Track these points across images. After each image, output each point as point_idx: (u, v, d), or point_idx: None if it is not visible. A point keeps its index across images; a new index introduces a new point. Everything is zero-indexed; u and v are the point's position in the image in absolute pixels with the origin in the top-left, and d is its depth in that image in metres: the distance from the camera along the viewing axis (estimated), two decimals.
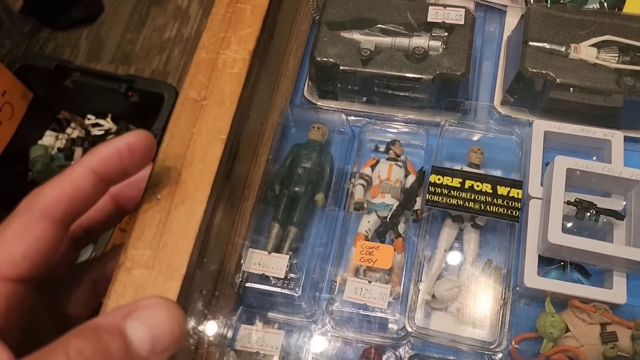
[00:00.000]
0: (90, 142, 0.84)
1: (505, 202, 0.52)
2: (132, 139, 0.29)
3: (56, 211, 0.27)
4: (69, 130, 0.86)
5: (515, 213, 0.52)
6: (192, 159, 0.45)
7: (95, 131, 0.85)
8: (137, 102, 0.76)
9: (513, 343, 0.50)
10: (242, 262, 0.52)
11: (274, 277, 0.51)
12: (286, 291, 0.51)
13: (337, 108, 0.64)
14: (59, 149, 0.84)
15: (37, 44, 0.91)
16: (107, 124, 0.85)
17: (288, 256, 0.52)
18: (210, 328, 0.50)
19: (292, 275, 0.51)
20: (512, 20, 0.67)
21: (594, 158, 0.58)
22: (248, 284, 0.51)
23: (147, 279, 0.41)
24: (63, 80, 0.77)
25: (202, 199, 0.44)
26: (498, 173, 0.58)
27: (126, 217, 0.78)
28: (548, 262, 0.53)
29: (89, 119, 0.84)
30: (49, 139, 0.84)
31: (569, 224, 0.54)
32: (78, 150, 0.84)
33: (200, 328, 0.50)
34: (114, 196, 0.35)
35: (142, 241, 0.43)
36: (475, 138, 0.60)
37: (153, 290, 0.41)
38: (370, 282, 0.51)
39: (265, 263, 0.51)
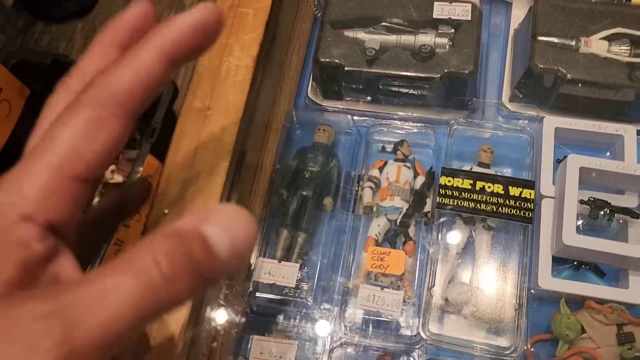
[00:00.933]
0: None
1: (517, 203, 0.51)
2: (205, 14, 0.25)
3: (131, 104, 0.24)
4: None
5: (529, 214, 0.51)
6: (199, 172, 0.44)
7: None
8: None
9: (528, 345, 0.49)
10: (252, 270, 0.52)
11: (284, 286, 0.50)
12: (297, 300, 0.51)
13: (342, 108, 0.62)
14: None
15: (31, 38, 0.90)
16: None
17: (298, 265, 0.51)
18: (222, 338, 0.49)
19: (302, 283, 0.51)
20: (518, 13, 0.66)
21: (607, 153, 0.57)
22: (258, 294, 0.51)
23: None
24: (59, 75, 0.75)
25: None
26: (509, 172, 0.57)
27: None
28: (561, 261, 0.53)
29: None
30: None
31: (582, 223, 0.53)
32: None
33: (212, 338, 0.50)
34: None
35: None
36: (485, 136, 0.59)
37: None
38: (382, 288, 0.50)
39: (276, 272, 0.50)
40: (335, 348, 0.50)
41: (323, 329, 0.51)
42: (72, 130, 0.23)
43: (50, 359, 0.18)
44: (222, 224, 0.22)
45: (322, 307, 0.51)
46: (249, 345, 0.50)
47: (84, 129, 0.23)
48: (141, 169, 0.72)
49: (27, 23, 0.89)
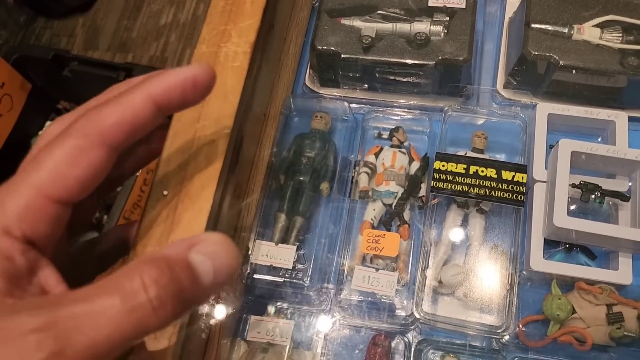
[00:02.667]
0: None
1: (510, 187, 0.52)
2: (198, 72, 0.28)
3: (114, 138, 0.26)
4: None
5: (521, 198, 0.52)
6: (197, 155, 0.45)
7: None
8: None
9: (520, 326, 0.50)
10: (249, 253, 0.53)
11: (281, 268, 0.51)
12: (294, 281, 0.52)
13: (339, 96, 0.63)
14: None
15: (33, 33, 0.90)
16: None
17: (295, 247, 0.52)
18: (221, 319, 0.50)
19: (299, 265, 0.52)
20: (513, 2, 0.67)
21: (599, 139, 0.58)
22: (256, 275, 0.52)
23: None
24: (61, 70, 0.77)
25: (209, 195, 0.44)
26: (502, 157, 0.59)
27: (130, 206, 0.78)
28: (553, 244, 0.54)
29: None
30: None
31: (574, 207, 0.54)
32: None
33: (211, 319, 0.51)
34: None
35: (150, 238, 0.43)
36: (479, 123, 0.60)
37: None
38: (377, 270, 0.51)
39: (273, 254, 0.51)
40: (330, 328, 0.52)
41: (319, 309, 0.52)
42: (56, 155, 0.25)
43: None
44: (207, 252, 0.24)
45: (318, 288, 0.52)
46: (247, 326, 0.51)
47: (67, 155, 0.25)
48: None
49: (28, 19, 0.90)
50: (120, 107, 0.26)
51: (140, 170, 0.74)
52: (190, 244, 0.24)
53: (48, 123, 0.83)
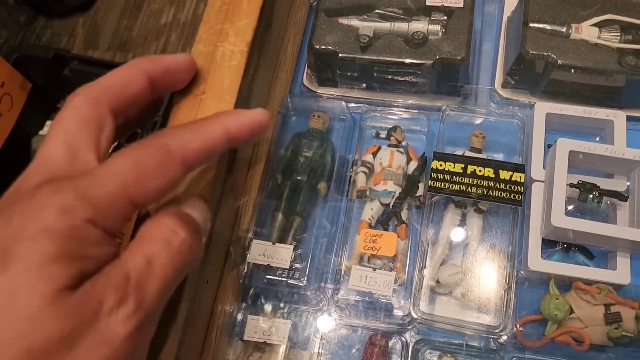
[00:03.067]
0: None
1: (507, 187, 0.52)
2: (264, 120, 0.33)
3: (192, 161, 0.29)
4: None
5: (518, 197, 0.52)
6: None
7: None
8: None
9: (518, 326, 0.50)
10: (246, 253, 0.53)
11: (278, 268, 0.51)
12: (291, 281, 0.52)
13: (337, 95, 0.63)
14: None
15: (33, 33, 0.90)
16: None
17: (292, 246, 0.52)
18: (217, 319, 0.50)
19: (297, 265, 0.52)
20: (511, 1, 0.67)
21: (597, 139, 0.58)
22: (253, 275, 0.52)
23: None
24: (61, 69, 0.76)
25: (206, 194, 0.44)
26: (500, 157, 0.58)
27: None
28: (551, 244, 0.53)
29: None
30: None
31: (572, 206, 0.53)
32: None
33: (208, 319, 0.51)
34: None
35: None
36: (477, 122, 0.59)
37: None
38: (374, 269, 0.51)
39: (270, 254, 0.51)
40: (327, 328, 0.52)
41: (316, 309, 0.52)
42: (144, 162, 0.27)
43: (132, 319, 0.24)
44: (193, 205, 0.31)
45: (315, 288, 0.52)
46: (244, 326, 0.51)
47: (154, 165, 0.27)
48: None
49: (28, 18, 0.90)
50: (203, 135, 0.29)
51: None
52: (178, 204, 0.31)
53: (48, 122, 0.83)
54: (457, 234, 0.54)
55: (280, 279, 0.51)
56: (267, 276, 0.52)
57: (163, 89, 0.36)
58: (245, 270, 0.52)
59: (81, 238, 0.24)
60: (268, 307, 0.52)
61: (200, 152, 0.29)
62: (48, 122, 0.86)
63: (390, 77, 0.60)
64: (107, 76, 0.32)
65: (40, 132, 0.83)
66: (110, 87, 0.31)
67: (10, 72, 0.75)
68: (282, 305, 0.52)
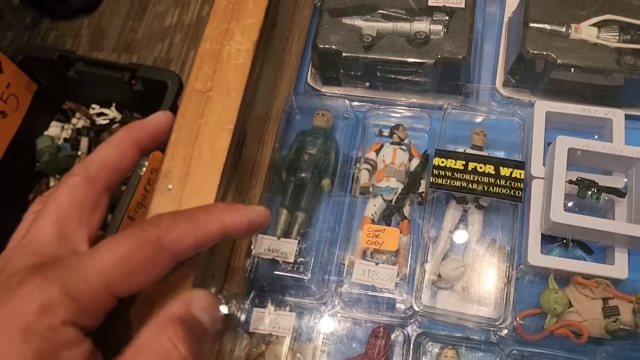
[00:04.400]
0: (95, 131, 0.85)
1: (508, 183, 0.53)
2: (262, 219, 0.33)
3: (184, 255, 0.29)
4: (74, 121, 0.86)
5: (518, 193, 0.53)
6: (201, 150, 0.46)
7: (100, 120, 0.85)
8: (141, 90, 0.76)
9: (517, 319, 0.51)
10: (252, 247, 0.54)
11: (283, 262, 0.52)
12: (296, 275, 0.53)
13: (341, 94, 0.64)
14: (65, 140, 0.85)
15: (38, 34, 0.91)
16: (112, 113, 0.85)
17: (297, 241, 0.53)
18: (223, 312, 0.51)
19: (301, 259, 0.53)
20: (512, 2, 0.68)
21: (596, 137, 0.59)
22: (259, 269, 0.53)
23: None
24: (66, 70, 0.78)
25: (212, 189, 0.45)
26: (501, 154, 0.59)
27: (134, 206, 0.78)
28: (551, 240, 0.54)
29: (93, 109, 0.85)
30: (55, 130, 0.85)
31: (571, 203, 0.54)
32: (84, 141, 0.85)
33: None
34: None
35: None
36: (478, 120, 0.61)
37: (169, 277, 0.42)
38: (377, 264, 0.52)
39: (275, 248, 0.52)
40: (331, 321, 0.53)
41: (320, 302, 0.53)
42: (133, 257, 0.26)
43: None
44: (202, 306, 0.28)
45: (319, 282, 0.53)
46: (249, 318, 0.52)
47: (143, 262, 0.26)
48: (146, 162, 0.74)
49: (34, 20, 0.91)
50: (199, 231, 0.29)
51: (144, 170, 0.75)
52: (188, 301, 0.27)
53: (53, 123, 0.84)
54: (459, 230, 0.55)
55: (284, 273, 0.52)
56: (272, 270, 0.53)
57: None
58: (251, 264, 0.53)
59: (59, 340, 0.23)
60: (273, 300, 0.53)
61: (194, 247, 0.29)
62: (53, 123, 0.87)
63: (392, 76, 0.61)
64: (102, 151, 0.32)
65: (45, 133, 0.84)
66: (106, 164, 0.31)
67: (16, 73, 0.76)
68: (287, 298, 0.53)
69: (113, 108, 0.84)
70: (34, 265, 0.25)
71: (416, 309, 0.51)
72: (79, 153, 0.82)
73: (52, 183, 0.81)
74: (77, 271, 0.25)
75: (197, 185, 0.45)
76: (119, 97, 0.82)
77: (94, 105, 0.84)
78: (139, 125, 0.34)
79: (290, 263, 0.52)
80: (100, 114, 0.84)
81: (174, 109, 0.68)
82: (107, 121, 0.84)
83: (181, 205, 0.45)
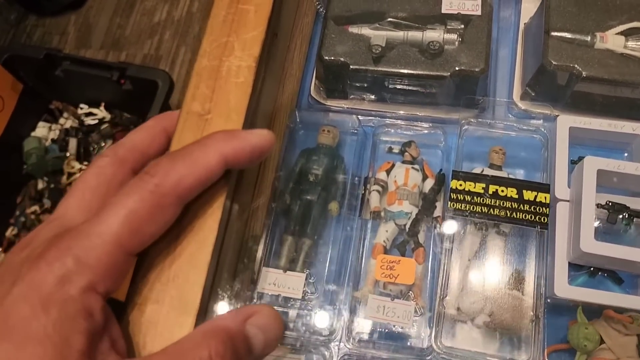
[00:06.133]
0: (84, 132, 0.81)
1: (532, 208, 0.49)
2: (265, 143, 0.31)
3: (189, 197, 0.29)
4: (62, 121, 0.82)
5: (544, 219, 0.49)
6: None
7: (89, 120, 0.81)
8: (130, 89, 0.73)
9: (545, 355, 0.47)
10: (255, 279, 0.50)
11: (290, 298, 0.48)
12: (304, 312, 0.48)
13: (347, 107, 0.60)
14: (53, 140, 0.81)
15: (24, 31, 0.88)
16: (101, 112, 0.81)
17: (304, 275, 0.49)
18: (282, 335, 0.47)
19: (309, 294, 0.49)
20: (528, 6, 0.64)
21: (625, 154, 0.55)
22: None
23: (158, 315, 0.38)
24: (53, 69, 0.74)
25: (213, 226, 0.40)
26: (521, 173, 0.55)
27: None
28: (576, 266, 0.51)
29: (81, 109, 0.81)
30: (42, 131, 0.81)
31: (599, 226, 0.51)
32: (72, 141, 0.81)
33: None
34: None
35: (150, 273, 0.40)
36: (496, 136, 0.56)
37: (165, 327, 0.38)
38: (393, 298, 0.48)
39: (281, 283, 0.48)
40: None
41: (330, 340, 0.49)
42: (136, 210, 0.26)
43: None
44: (261, 325, 0.27)
45: (329, 318, 0.49)
46: None
47: (147, 212, 0.26)
48: None
49: (19, 16, 0.87)
50: (198, 168, 0.28)
51: None
52: (247, 315, 0.27)
53: (40, 124, 0.81)
54: (478, 258, 0.51)
55: (292, 310, 0.48)
56: (278, 307, 0.48)
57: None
58: (255, 300, 0.48)
59: (78, 308, 0.24)
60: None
61: (196, 186, 0.28)
62: (40, 124, 0.83)
63: (403, 88, 0.57)
64: (132, 135, 0.32)
65: (32, 134, 0.81)
66: (135, 148, 0.31)
67: (1, 73, 0.73)
68: (293, 335, 0.49)
69: (102, 108, 0.80)
70: (53, 236, 0.26)
71: (435, 348, 0.47)
72: (68, 154, 0.79)
73: (40, 185, 0.78)
74: (86, 238, 0.25)
75: (197, 221, 0.41)
76: (108, 96, 0.79)
77: (82, 105, 0.81)
78: (169, 114, 0.35)
79: (298, 299, 0.48)
80: (88, 114, 0.80)
81: (165, 108, 0.64)
82: (96, 121, 0.80)
83: (180, 245, 0.40)
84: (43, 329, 0.22)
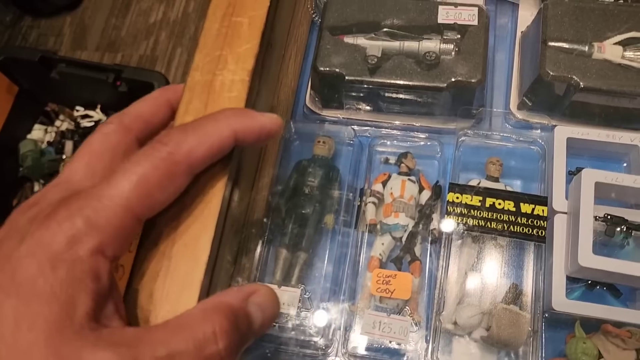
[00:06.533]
0: (80, 134, 0.81)
1: (529, 221, 0.49)
2: (273, 126, 0.32)
3: (199, 167, 0.29)
4: (57, 123, 0.82)
5: (542, 233, 0.48)
6: (193, 198, 0.41)
7: (85, 123, 0.81)
8: (126, 91, 0.73)
9: None
10: None
11: (284, 313, 0.47)
12: (299, 327, 0.48)
13: (342, 118, 0.60)
14: (48, 143, 0.81)
15: (19, 33, 0.88)
16: (97, 114, 0.81)
17: (299, 290, 0.48)
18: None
19: (304, 311, 0.48)
20: (525, 14, 0.63)
21: (624, 164, 0.55)
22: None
23: (162, 288, 0.38)
24: (49, 71, 0.74)
25: (206, 244, 0.40)
26: (518, 184, 0.55)
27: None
28: (574, 279, 0.50)
29: (77, 111, 0.81)
30: (38, 133, 0.81)
31: (596, 239, 0.50)
32: (68, 144, 0.81)
33: None
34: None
35: (142, 291, 0.39)
36: (493, 147, 0.56)
37: (167, 301, 0.38)
38: (389, 314, 0.47)
39: None
40: None
41: (326, 356, 0.48)
42: (148, 176, 0.26)
43: None
44: (260, 303, 0.28)
45: (324, 333, 0.48)
46: None
47: (158, 179, 0.26)
48: None
49: (14, 18, 0.87)
50: (209, 139, 0.29)
51: None
52: (248, 293, 0.28)
53: (36, 126, 0.81)
54: (475, 271, 0.51)
55: (286, 325, 0.47)
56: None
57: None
58: None
59: (86, 269, 0.24)
60: (274, 356, 0.48)
61: (207, 157, 0.29)
62: (36, 126, 0.83)
63: (399, 99, 0.56)
64: (137, 105, 0.33)
65: (28, 136, 0.80)
66: (140, 116, 0.32)
67: None
68: (288, 353, 0.48)
69: (98, 110, 0.80)
70: (62, 198, 0.26)
71: None
72: (64, 156, 0.79)
73: (36, 188, 0.78)
74: (97, 200, 0.25)
75: (189, 239, 0.40)
76: (104, 98, 0.79)
77: (78, 107, 0.81)
78: (173, 87, 0.36)
79: (293, 315, 0.47)
80: (84, 116, 0.80)
81: None
82: (92, 123, 0.80)
83: (171, 263, 0.40)
84: (50, 287, 0.22)
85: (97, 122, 0.79)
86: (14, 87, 0.77)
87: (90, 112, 0.80)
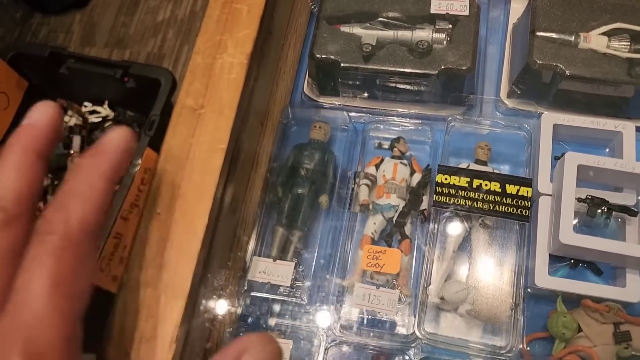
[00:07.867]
0: (88, 129, 0.83)
1: (514, 202, 0.51)
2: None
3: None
4: (66, 118, 0.84)
5: (526, 212, 0.51)
6: (192, 171, 0.44)
7: (93, 118, 0.83)
8: (134, 87, 0.74)
9: (524, 344, 0.49)
10: (247, 268, 0.52)
11: (279, 285, 0.50)
12: (292, 299, 0.50)
13: (339, 104, 0.62)
14: None
15: (29, 30, 0.89)
16: (105, 110, 0.83)
17: (294, 263, 0.51)
18: (216, 339, 0.49)
19: (298, 283, 0.50)
20: (517, 7, 0.65)
21: (607, 150, 0.57)
22: (253, 293, 0.51)
23: (151, 299, 0.40)
24: (58, 67, 0.76)
25: (204, 213, 0.43)
26: (506, 168, 0.57)
27: (128, 207, 0.76)
28: (558, 259, 0.52)
29: (85, 106, 0.83)
30: None
31: (580, 221, 0.52)
32: (76, 139, 0.82)
33: (206, 339, 0.49)
34: None
35: (143, 260, 0.42)
36: (482, 133, 0.58)
37: (157, 309, 0.40)
38: (378, 287, 0.50)
39: (270, 271, 0.50)
40: (330, 347, 0.50)
41: (318, 327, 0.51)
42: (62, 280, 0.24)
43: None
44: (257, 356, 0.25)
45: (317, 305, 0.51)
46: None
47: (73, 272, 0.25)
48: (140, 161, 0.72)
49: (24, 15, 0.89)
50: (90, 199, 0.28)
51: (138, 169, 0.73)
52: (241, 351, 0.24)
53: None
54: (462, 249, 0.53)
55: (281, 297, 0.50)
56: (268, 294, 0.50)
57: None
58: (245, 288, 0.50)
59: None
60: (269, 326, 0.50)
61: (99, 214, 0.27)
62: None
63: (393, 86, 0.59)
64: (7, 181, 0.29)
65: None
66: (18, 194, 0.28)
67: (6, 71, 0.74)
68: (283, 323, 0.51)
69: (106, 106, 0.82)
70: None
71: (418, 334, 0.49)
72: (72, 151, 0.81)
73: (44, 182, 0.80)
74: (28, 330, 0.23)
75: (188, 209, 0.43)
76: (112, 94, 0.80)
77: (86, 103, 0.83)
78: (26, 129, 0.32)
79: (287, 287, 0.50)
80: (92, 112, 0.82)
81: (167, 106, 0.66)
82: (100, 119, 0.82)
83: (171, 232, 0.42)
84: None
85: (104, 118, 0.81)
86: (24, 82, 0.78)
87: (98, 108, 0.82)
